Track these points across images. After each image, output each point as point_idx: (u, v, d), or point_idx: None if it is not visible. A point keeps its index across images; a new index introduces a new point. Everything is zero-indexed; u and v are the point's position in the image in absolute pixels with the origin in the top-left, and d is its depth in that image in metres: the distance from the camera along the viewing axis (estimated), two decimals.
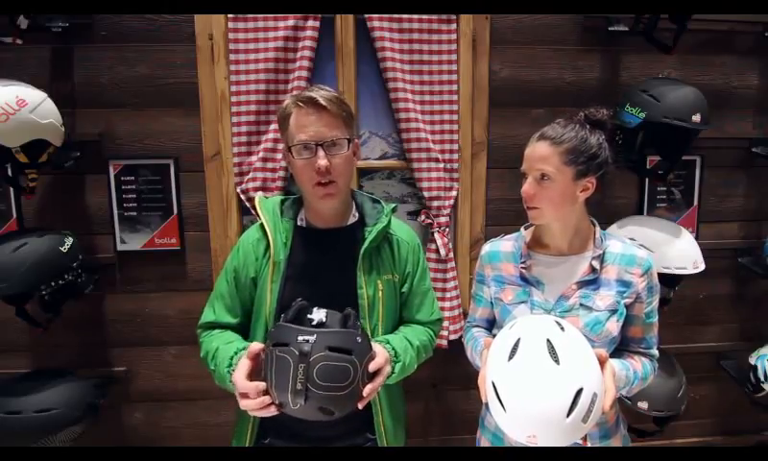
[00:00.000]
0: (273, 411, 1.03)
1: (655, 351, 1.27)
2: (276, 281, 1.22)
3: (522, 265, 1.26)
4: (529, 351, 1.00)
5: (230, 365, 1.14)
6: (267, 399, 1.02)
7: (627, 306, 1.21)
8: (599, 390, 0.99)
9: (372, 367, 1.07)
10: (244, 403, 1.05)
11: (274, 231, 1.24)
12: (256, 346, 1.08)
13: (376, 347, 1.13)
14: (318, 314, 1.06)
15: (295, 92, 1.22)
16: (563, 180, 1.16)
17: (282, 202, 1.32)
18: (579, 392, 0.95)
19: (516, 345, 1.02)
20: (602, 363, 1.06)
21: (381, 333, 1.26)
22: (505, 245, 1.33)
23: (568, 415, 0.94)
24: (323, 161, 1.14)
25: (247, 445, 1.26)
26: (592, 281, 1.20)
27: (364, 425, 1.28)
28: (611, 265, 1.21)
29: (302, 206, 1.30)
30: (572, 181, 1.16)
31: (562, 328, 1.04)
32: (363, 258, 1.23)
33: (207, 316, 1.31)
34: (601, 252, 1.21)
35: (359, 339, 1.05)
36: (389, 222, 1.28)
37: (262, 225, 1.27)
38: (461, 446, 2.10)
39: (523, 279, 1.26)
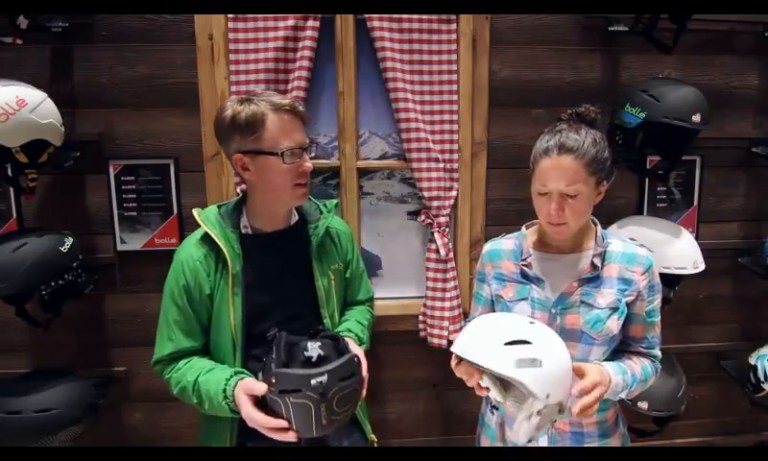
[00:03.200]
0: (294, 439, 1.10)
1: (657, 352, 1.27)
2: (238, 293, 1.24)
3: (523, 262, 1.26)
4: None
5: (226, 398, 1.16)
6: (293, 433, 1.09)
7: (628, 305, 1.20)
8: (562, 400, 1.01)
9: (364, 372, 1.20)
10: (271, 434, 1.11)
11: (225, 243, 1.24)
12: (257, 388, 1.12)
13: (354, 349, 1.21)
14: (313, 350, 1.12)
15: (260, 98, 1.19)
16: (588, 191, 1.15)
17: (219, 208, 1.32)
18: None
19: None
20: (580, 375, 1.07)
21: (338, 317, 1.39)
22: (506, 243, 1.33)
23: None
24: (310, 164, 1.25)
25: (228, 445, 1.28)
26: (593, 279, 1.20)
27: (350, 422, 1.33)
28: (612, 263, 1.21)
29: (241, 213, 1.30)
30: (594, 189, 1.17)
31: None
32: (315, 254, 1.32)
33: (164, 348, 1.27)
34: (602, 249, 1.21)
35: (356, 360, 1.14)
36: (332, 217, 1.38)
37: (203, 239, 1.26)
38: (461, 446, 2.10)
39: (524, 276, 1.26)
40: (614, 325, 1.19)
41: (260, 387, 1.11)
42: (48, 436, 1.62)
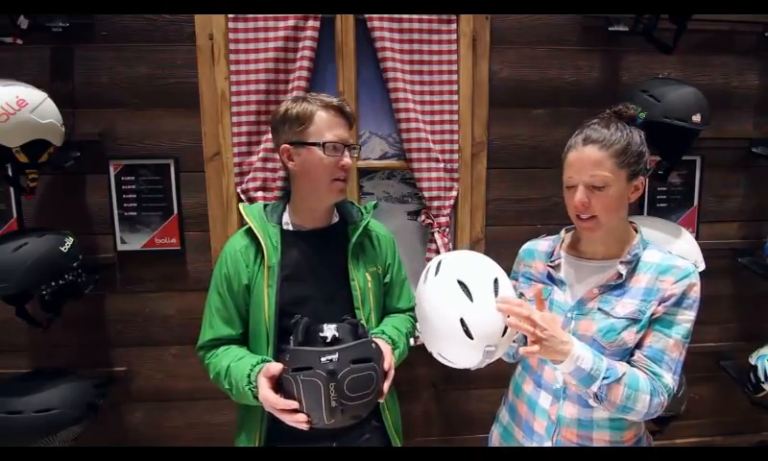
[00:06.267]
0: (306, 427, 1.10)
1: (659, 371, 1.11)
2: (273, 285, 1.26)
3: (551, 263, 1.25)
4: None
5: (250, 383, 1.18)
6: (303, 416, 1.09)
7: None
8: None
9: (386, 365, 1.18)
10: (283, 416, 1.11)
11: (264, 236, 1.28)
12: (273, 368, 1.13)
13: (379, 342, 1.20)
14: (329, 331, 1.13)
15: (312, 98, 1.28)
16: (618, 184, 1.10)
17: (264, 207, 1.37)
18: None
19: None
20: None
21: (374, 321, 1.36)
22: (542, 244, 1.33)
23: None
24: (349, 160, 1.27)
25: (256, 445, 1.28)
26: (617, 287, 1.15)
27: (370, 414, 1.30)
28: (643, 274, 1.14)
29: (284, 210, 1.36)
30: (626, 183, 1.12)
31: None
32: (352, 253, 1.32)
33: (206, 335, 1.32)
34: (631, 257, 1.15)
35: (373, 345, 1.14)
36: (370, 217, 1.38)
37: (247, 231, 1.32)
38: (461, 446, 2.10)
39: (549, 277, 1.25)
40: (631, 337, 1.11)
41: (277, 367, 1.13)
42: (48, 436, 1.61)
